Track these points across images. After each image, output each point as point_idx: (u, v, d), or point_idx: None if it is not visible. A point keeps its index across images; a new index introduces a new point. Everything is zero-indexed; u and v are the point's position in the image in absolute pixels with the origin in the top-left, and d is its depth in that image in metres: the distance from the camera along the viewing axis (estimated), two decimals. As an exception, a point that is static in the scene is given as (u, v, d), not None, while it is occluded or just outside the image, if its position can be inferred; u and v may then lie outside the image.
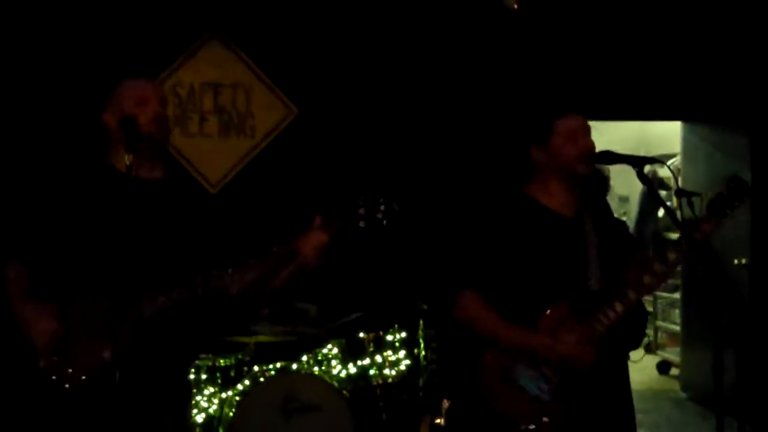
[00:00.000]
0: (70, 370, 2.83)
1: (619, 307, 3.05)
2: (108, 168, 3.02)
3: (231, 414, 4.68)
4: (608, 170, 6.57)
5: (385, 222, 2.90)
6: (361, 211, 2.89)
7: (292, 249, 2.89)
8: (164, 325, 2.91)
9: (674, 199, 3.33)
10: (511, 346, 3.10)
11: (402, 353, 5.06)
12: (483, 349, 3.14)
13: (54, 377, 2.83)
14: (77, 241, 2.92)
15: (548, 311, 3.09)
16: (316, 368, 4.95)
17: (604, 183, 5.53)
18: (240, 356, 4.96)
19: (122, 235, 2.84)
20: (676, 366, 8.23)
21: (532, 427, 3.05)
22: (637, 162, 3.04)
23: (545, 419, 3.05)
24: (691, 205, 2.95)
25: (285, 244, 2.90)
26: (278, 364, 4.93)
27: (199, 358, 4.90)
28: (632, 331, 3.28)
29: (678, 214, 2.98)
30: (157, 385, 2.97)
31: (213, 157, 5.94)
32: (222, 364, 4.92)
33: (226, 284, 2.91)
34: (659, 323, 9.07)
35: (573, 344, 3.04)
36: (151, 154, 3.01)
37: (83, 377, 2.82)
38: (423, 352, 5.01)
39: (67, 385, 2.82)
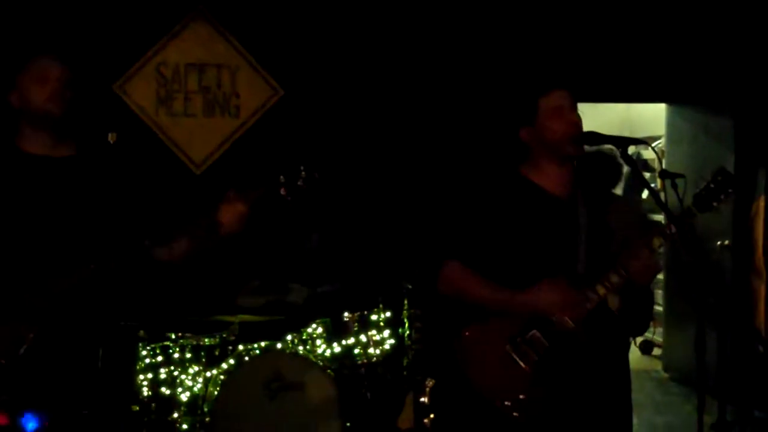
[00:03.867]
0: None
1: (601, 290, 3.06)
2: (14, 150, 3.07)
3: (215, 393, 4.69)
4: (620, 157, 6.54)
5: (306, 189, 3.00)
6: (282, 178, 2.98)
7: (214, 219, 2.98)
8: (82, 298, 2.98)
9: (658, 180, 3.35)
10: (496, 303, 3.12)
11: (386, 333, 5.08)
12: (462, 325, 3.16)
13: None
14: None
15: (541, 284, 3.10)
16: (300, 347, 4.96)
17: (617, 169, 5.48)
18: (224, 335, 4.96)
19: (29, 216, 2.93)
20: (659, 346, 8.29)
21: (507, 403, 3.07)
22: (621, 143, 3.06)
23: (522, 396, 3.07)
24: (674, 186, 2.97)
25: (207, 215, 2.99)
26: (263, 343, 4.94)
27: (183, 337, 4.92)
28: (637, 318, 3.30)
29: (662, 195, 3.00)
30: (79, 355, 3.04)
31: (197, 137, 5.92)
32: (206, 343, 4.93)
33: (145, 255, 2.99)
34: (642, 304, 9.12)
35: (561, 297, 3.05)
36: (58, 131, 3.07)
37: (2, 361, 2.90)
38: (407, 332, 5.03)
39: None
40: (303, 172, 3.02)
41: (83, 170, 3.09)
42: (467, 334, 3.17)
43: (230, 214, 2.99)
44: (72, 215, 3.01)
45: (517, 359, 3.09)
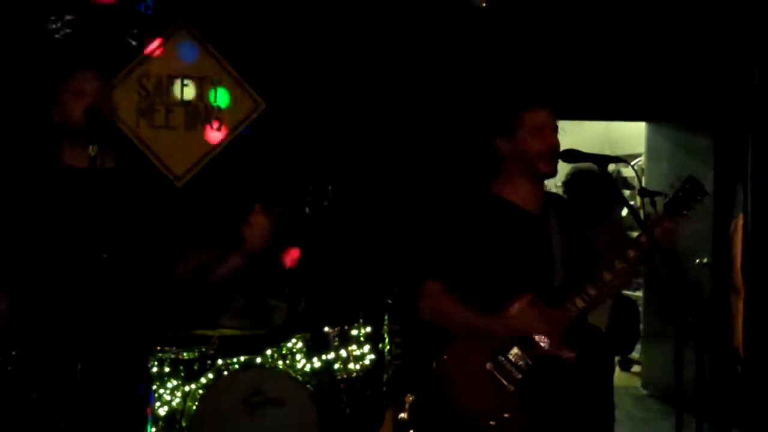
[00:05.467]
0: (14, 353, 2.88)
1: (580, 303, 3.08)
2: (56, 164, 3.08)
3: (194, 407, 4.66)
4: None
5: (331, 210, 2.99)
6: (308, 198, 2.98)
7: (237, 235, 2.96)
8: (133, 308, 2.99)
9: (638, 198, 3.38)
10: (476, 330, 3.12)
11: (367, 348, 5.07)
12: (444, 345, 3.16)
13: None
14: (35, 240, 2.97)
15: (510, 303, 3.10)
16: (280, 362, 4.94)
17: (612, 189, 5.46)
18: (204, 349, 4.94)
19: (77, 228, 2.90)
20: (638, 363, 8.32)
21: (492, 423, 3.06)
22: (601, 161, 3.08)
23: (506, 415, 3.06)
24: (653, 204, 3.00)
25: (229, 230, 2.98)
26: (242, 358, 4.92)
27: (162, 351, 4.88)
28: (624, 337, 3.32)
29: (641, 213, 3.03)
30: (118, 372, 3.01)
31: (179, 150, 5.90)
32: (185, 357, 4.89)
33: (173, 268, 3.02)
34: (622, 321, 9.15)
35: (540, 323, 3.05)
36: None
37: (25, 359, 2.88)
38: (387, 347, 5.02)
39: (9, 367, 2.87)
40: (330, 193, 3.00)
41: (124, 182, 3.10)
42: (448, 353, 3.16)
43: (255, 230, 2.97)
44: (116, 228, 2.99)
45: (501, 378, 3.08)
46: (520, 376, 3.06)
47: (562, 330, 3.05)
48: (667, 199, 3.05)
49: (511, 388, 3.06)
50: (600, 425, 3.26)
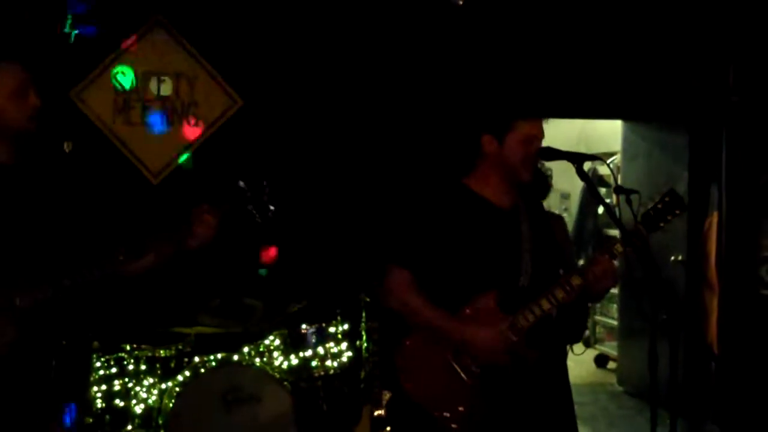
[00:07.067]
0: None
1: (545, 305, 3.08)
2: None
3: (171, 405, 4.65)
4: (550, 170, 6.61)
5: (270, 206, 2.99)
6: (248, 194, 2.98)
7: (185, 231, 2.94)
8: (54, 312, 2.94)
9: (614, 196, 3.40)
10: (433, 329, 3.13)
11: (344, 345, 5.08)
12: (404, 335, 3.18)
13: None
14: None
15: (475, 299, 3.12)
16: (257, 359, 4.94)
17: (545, 182, 5.59)
18: (180, 347, 4.93)
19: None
20: (613, 360, 8.37)
21: (446, 415, 3.07)
22: (577, 159, 3.09)
23: (461, 408, 3.07)
24: (629, 202, 3.01)
25: (178, 227, 2.95)
26: (219, 355, 4.91)
27: (139, 348, 4.87)
28: (573, 326, 3.34)
29: (617, 211, 3.04)
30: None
31: (155, 146, 5.87)
32: (162, 355, 4.89)
33: (120, 267, 2.94)
34: (597, 317, 9.21)
35: (489, 343, 3.06)
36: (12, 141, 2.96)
37: None
38: (365, 344, 5.03)
39: None
40: (267, 188, 3.00)
41: (29, 177, 3.00)
42: (408, 343, 3.18)
43: (199, 224, 2.95)
44: (28, 225, 2.92)
45: (459, 370, 3.10)
46: (478, 369, 3.08)
47: (506, 348, 3.06)
48: (645, 210, 3.07)
49: (468, 381, 3.08)
50: (560, 417, 3.27)
